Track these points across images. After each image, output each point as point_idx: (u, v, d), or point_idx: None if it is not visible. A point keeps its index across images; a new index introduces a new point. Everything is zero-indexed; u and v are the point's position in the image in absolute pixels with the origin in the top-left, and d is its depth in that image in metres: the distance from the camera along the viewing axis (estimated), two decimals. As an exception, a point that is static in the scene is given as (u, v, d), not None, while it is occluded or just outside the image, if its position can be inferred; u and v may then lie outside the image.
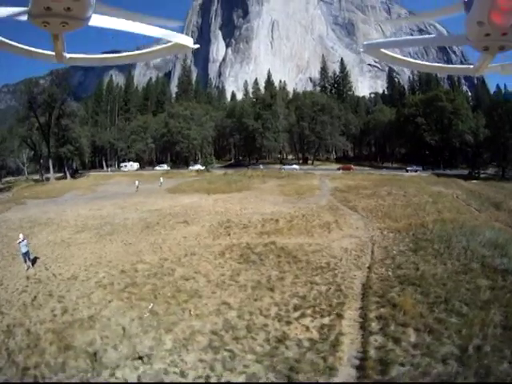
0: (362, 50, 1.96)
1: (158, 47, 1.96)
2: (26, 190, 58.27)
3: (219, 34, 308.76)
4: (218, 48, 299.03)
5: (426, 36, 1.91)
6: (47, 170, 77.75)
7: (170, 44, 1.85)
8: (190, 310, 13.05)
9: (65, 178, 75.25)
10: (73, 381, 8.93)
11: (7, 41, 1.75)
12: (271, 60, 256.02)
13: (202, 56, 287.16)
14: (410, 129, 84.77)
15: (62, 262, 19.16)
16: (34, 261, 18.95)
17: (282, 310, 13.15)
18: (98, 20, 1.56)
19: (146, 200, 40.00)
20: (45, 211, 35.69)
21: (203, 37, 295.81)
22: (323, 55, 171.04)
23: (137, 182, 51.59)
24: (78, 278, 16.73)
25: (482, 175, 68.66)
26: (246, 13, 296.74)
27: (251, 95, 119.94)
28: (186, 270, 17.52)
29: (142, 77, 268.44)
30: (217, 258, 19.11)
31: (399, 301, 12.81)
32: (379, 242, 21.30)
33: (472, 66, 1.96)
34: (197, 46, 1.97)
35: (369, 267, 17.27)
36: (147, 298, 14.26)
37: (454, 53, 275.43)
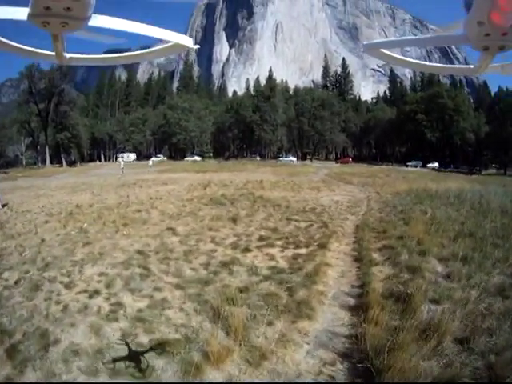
0: (362, 49, 1.95)
1: (159, 47, 1.91)
2: (21, 171, 59.15)
3: (223, 34, 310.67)
4: (222, 49, 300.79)
5: (426, 36, 1.93)
6: (44, 162, 77.38)
7: (170, 44, 1.78)
8: (123, 232, 12.00)
9: (61, 166, 74.76)
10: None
11: (7, 41, 1.72)
12: (274, 62, 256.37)
13: (205, 56, 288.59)
14: (411, 126, 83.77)
15: (26, 204, 19.98)
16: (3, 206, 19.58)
17: (241, 239, 11.01)
18: (98, 20, 1.52)
19: (132, 175, 39.73)
20: (31, 182, 36.54)
21: (207, 37, 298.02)
22: (326, 56, 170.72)
23: (122, 164, 50.81)
24: (31, 211, 17.25)
25: (482, 173, 67.43)
26: (250, 14, 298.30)
27: (252, 92, 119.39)
28: (143, 206, 16.87)
29: (145, 75, 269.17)
30: (183, 201, 18.12)
31: (409, 232, 10.47)
32: (375, 199, 19.66)
33: (472, 67, 1.94)
34: (197, 46, 1.94)
35: (364, 213, 15.50)
36: (87, 221, 13.91)
37: (458, 59, 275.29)
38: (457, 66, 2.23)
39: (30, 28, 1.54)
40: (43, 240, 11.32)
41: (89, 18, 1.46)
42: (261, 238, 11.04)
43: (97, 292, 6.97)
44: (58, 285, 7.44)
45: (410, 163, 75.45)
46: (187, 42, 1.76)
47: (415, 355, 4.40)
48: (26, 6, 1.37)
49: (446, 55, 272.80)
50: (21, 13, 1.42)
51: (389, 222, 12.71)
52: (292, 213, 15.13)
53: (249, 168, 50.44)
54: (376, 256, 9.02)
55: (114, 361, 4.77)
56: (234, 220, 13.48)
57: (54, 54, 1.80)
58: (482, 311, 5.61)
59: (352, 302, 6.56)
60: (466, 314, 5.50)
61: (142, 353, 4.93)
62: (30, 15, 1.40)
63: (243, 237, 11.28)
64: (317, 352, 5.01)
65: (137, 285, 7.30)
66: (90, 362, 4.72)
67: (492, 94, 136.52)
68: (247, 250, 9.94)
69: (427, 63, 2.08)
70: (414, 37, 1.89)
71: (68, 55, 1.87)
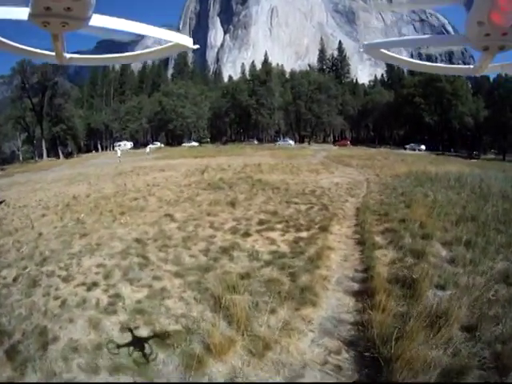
0: (361, 50, 1.92)
1: (159, 47, 1.87)
2: (18, 167, 59.25)
3: (217, 20, 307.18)
4: (216, 34, 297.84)
5: (427, 36, 1.82)
6: (41, 155, 76.74)
7: (170, 44, 1.76)
8: (121, 220, 11.83)
9: (58, 158, 74.58)
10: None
11: (7, 41, 1.67)
12: (270, 46, 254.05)
13: (199, 42, 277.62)
14: (409, 109, 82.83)
15: (23, 199, 19.82)
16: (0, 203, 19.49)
17: (240, 224, 10.82)
18: (98, 20, 1.49)
19: (129, 163, 39.41)
20: (28, 177, 36.16)
21: (201, 23, 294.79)
22: (322, 39, 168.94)
23: (119, 153, 51.55)
24: (28, 206, 17.19)
25: (481, 158, 67.30)
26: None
27: (248, 77, 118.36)
28: (140, 194, 16.70)
29: (139, 63, 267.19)
30: (180, 187, 17.94)
31: (411, 215, 10.21)
32: (375, 181, 19.49)
33: (472, 67, 1.93)
34: (197, 46, 1.87)
35: (365, 195, 15.39)
36: (84, 212, 13.81)
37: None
38: (457, 66, 2.23)
39: (30, 28, 1.56)
40: (40, 234, 11.19)
41: (89, 17, 1.45)
42: (260, 222, 10.86)
43: (95, 284, 6.84)
44: (56, 279, 7.32)
45: (408, 146, 74.61)
46: (187, 41, 1.77)
47: (423, 344, 4.27)
48: (26, 5, 1.37)
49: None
50: (21, 13, 1.41)
51: (390, 205, 12.54)
52: (292, 196, 14.95)
53: (247, 152, 50.22)
54: (379, 239, 8.78)
55: (115, 353, 4.66)
56: (233, 204, 13.30)
57: (53, 54, 1.78)
58: (490, 298, 5.46)
59: (356, 287, 6.38)
60: (472, 301, 5.34)
61: (143, 344, 4.81)
62: (30, 15, 1.39)
63: (243, 221, 11.11)
64: (322, 340, 4.87)
65: (135, 275, 7.17)
66: (89, 359, 4.60)
67: (491, 79, 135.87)
68: (247, 234, 9.75)
69: (427, 63, 2.09)
70: (414, 37, 1.89)
71: (68, 55, 1.85)
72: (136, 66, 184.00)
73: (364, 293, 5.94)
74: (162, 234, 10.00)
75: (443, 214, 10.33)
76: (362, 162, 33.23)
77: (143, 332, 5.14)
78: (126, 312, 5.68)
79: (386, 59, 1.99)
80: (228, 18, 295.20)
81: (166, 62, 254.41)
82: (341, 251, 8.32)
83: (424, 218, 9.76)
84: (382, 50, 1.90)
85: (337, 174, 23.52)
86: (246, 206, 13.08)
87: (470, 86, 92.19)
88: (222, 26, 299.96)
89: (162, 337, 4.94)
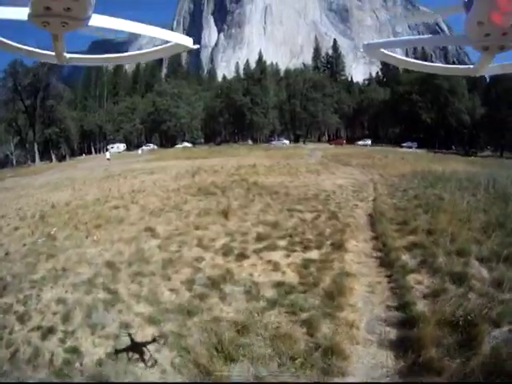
0: (362, 50, 1.92)
1: (159, 47, 1.84)
2: (10, 171, 57.24)
3: (211, 19, 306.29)
4: (210, 33, 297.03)
5: (427, 36, 1.79)
6: (34, 160, 75.40)
7: (170, 44, 1.74)
8: (94, 237, 10.43)
9: (51, 162, 73.38)
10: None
11: (7, 41, 1.66)
12: (264, 45, 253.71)
13: (193, 42, 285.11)
14: (405, 107, 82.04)
15: (4, 208, 18.69)
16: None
17: (235, 240, 9.27)
18: (98, 20, 1.49)
19: (119, 165, 38.35)
20: (17, 182, 35.05)
21: (195, 22, 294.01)
22: (316, 38, 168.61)
23: (108, 155, 51.68)
24: (6, 216, 15.86)
25: (478, 155, 66.42)
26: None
27: (242, 76, 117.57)
28: (123, 201, 15.31)
29: (133, 64, 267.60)
30: (167, 193, 16.61)
31: (436, 224, 8.86)
32: (381, 182, 18.10)
33: (472, 67, 1.91)
34: (197, 46, 1.88)
35: (374, 199, 13.90)
36: (58, 224, 12.55)
37: (443, 31, 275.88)
38: (457, 66, 2.14)
39: (30, 28, 1.51)
40: (7, 253, 9.97)
41: (89, 17, 1.43)
42: (259, 238, 9.32)
43: (51, 331, 5.55)
44: (12, 317, 6.14)
45: (404, 144, 73.98)
46: (187, 42, 1.73)
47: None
48: (26, 5, 1.34)
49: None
50: (21, 13, 1.39)
51: (405, 210, 11.29)
52: (293, 201, 13.55)
53: (241, 152, 48.76)
54: (406, 259, 7.34)
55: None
56: (226, 214, 11.77)
57: (53, 53, 1.74)
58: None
59: (393, 334, 4.88)
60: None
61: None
62: (29, 15, 1.37)
63: (237, 236, 9.59)
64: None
65: (99, 318, 5.78)
66: None
67: (487, 76, 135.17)
68: (243, 256, 8.12)
69: (428, 63, 2.04)
70: (414, 37, 1.84)
71: (68, 55, 1.80)
72: (130, 67, 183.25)
73: (405, 344, 4.50)
74: (139, 255, 8.53)
75: (467, 221, 9.04)
76: (362, 160, 32.26)
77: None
78: (83, 377, 4.21)
79: (386, 59, 1.96)
80: (222, 16, 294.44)
81: (159, 62, 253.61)
82: (364, 278, 6.77)
83: (452, 228, 8.40)
84: (382, 50, 1.86)
85: (338, 174, 22.31)
86: (241, 216, 11.64)
87: (466, 82, 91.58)
88: (216, 25, 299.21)
89: None
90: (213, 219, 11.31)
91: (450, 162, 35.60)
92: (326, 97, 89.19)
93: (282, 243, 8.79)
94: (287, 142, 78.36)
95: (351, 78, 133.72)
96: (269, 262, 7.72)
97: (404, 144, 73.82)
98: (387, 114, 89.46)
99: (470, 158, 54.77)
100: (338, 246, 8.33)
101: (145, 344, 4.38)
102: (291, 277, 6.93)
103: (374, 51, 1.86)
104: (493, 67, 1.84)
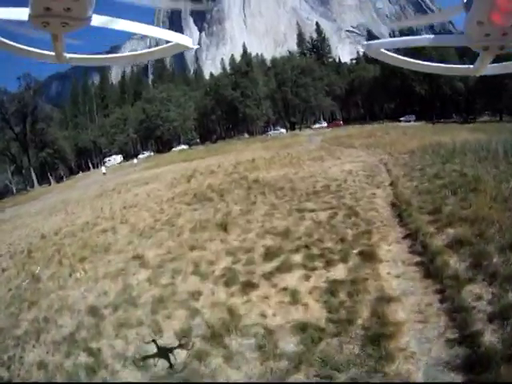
0: (362, 49, 1.98)
1: (159, 47, 1.86)
2: (10, 200, 56.51)
3: (190, 20, 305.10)
4: (192, 34, 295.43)
5: (427, 36, 1.80)
6: (32, 185, 75.06)
7: (170, 44, 1.76)
8: (77, 274, 9.37)
9: (50, 185, 73.01)
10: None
11: (7, 41, 1.66)
12: (247, 38, 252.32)
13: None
14: (397, 81, 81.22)
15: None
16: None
17: (238, 261, 7.84)
18: (98, 20, 1.51)
19: (114, 179, 37.79)
20: (15, 212, 34.19)
21: (174, 25, 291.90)
22: (298, 24, 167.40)
23: (103, 169, 52.66)
24: None
25: (477, 121, 65.43)
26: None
27: (229, 71, 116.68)
28: (112, 222, 14.44)
29: (119, 77, 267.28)
30: (161, 205, 15.73)
31: (473, 211, 7.42)
32: (393, 162, 16.70)
33: (472, 67, 1.92)
34: (197, 46, 1.93)
35: (391, 184, 12.39)
36: (42, 261, 11.60)
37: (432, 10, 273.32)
38: (457, 66, 2.14)
39: (29, 28, 1.58)
40: None
41: (89, 18, 1.44)
42: (267, 254, 7.81)
43: None
44: None
45: (402, 118, 73.29)
46: (187, 42, 1.72)
47: None
48: (26, 6, 1.36)
49: (421, 9, 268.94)
50: (21, 13, 1.40)
51: (431, 194, 9.81)
52: (301, 197, 12.14)
53: (238, 147, 47.97)
54: (454, 263, 5.84)
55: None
56: (225, 226, 10.34)
57: (53, 54, 1.75)
58: None
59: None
60: None
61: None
62: (30, 16, 1.38)
63: (240, 255, 8.12)
64: None
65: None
66: None
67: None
68: (250, 284, 6.65)
69: (428, 63, 2.04)
70: (414, 37, 1.84)
71: (68, 55, 1.80)
72: (116, 77, 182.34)
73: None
74: (126, 296, 7.35)
75: (504, 201, 7.69)
76: (364, 140, 30.96)
77: None
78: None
79: (386, 59, 1.94)
80: (201, 15, 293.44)
81: (145, 68, 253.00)
82: (409, 299, 5.30)
83: (492, 213, 6.98)
84: (383, 50, 1.87)
85: (344, 158, 20.78)
86: (244, 226, 10.21)
87: (455, 49, 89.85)
88: (196, 24, 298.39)
89: None
90: (210, 234, 10.03)
91: (454, 131, 34.16)
92: (316, 81, 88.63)
93: (298, 259, 7.35)
94: (284, 130, 77.79)
95: (339, 59, 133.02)
96: (284, 290, 6.26)
97: (402, 118, 73.15)
98: (380, 90, 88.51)
99: (470, 124, 53.63)
100: (368, 255, 6.89)
101: None
102: (316, 311, 5.48)
103: (375, 51, 1.87)
104: (493, 67, 1.86)
